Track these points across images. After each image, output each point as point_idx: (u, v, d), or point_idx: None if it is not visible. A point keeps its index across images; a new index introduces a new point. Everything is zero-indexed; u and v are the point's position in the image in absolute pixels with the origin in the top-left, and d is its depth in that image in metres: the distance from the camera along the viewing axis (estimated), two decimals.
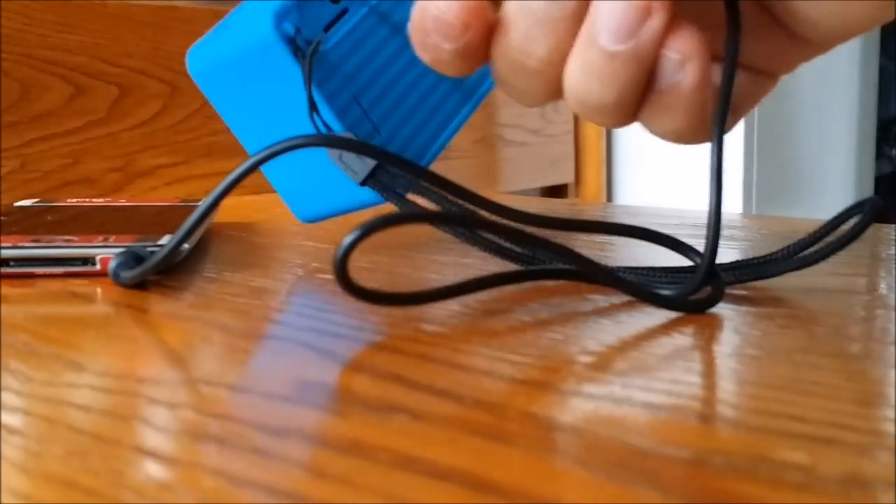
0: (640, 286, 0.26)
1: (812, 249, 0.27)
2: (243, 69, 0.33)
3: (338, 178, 0.33)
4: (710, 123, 0.25)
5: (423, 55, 0.25)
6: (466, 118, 0.38)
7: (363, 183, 0.31)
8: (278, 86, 0.32)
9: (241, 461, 0.16)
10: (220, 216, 0.46)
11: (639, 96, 0.25)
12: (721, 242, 0.38)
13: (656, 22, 0.23)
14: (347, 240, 0.22)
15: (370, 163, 0.30)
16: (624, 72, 0.24)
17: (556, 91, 0.26)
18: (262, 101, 0.33)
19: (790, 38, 0.26)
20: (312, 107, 0.31)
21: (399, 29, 0.36)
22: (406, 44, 0.36)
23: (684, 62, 0.24)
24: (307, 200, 0.36)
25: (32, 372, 0.21)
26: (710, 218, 0.26)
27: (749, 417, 0.18)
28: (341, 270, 0.22)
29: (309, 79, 0.31)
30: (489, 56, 0.25)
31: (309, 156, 0.34)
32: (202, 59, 0.34)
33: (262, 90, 0.33)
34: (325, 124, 0.31)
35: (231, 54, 0.33)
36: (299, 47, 0.32)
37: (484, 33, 0.25)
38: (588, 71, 0.24)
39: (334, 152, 0.31)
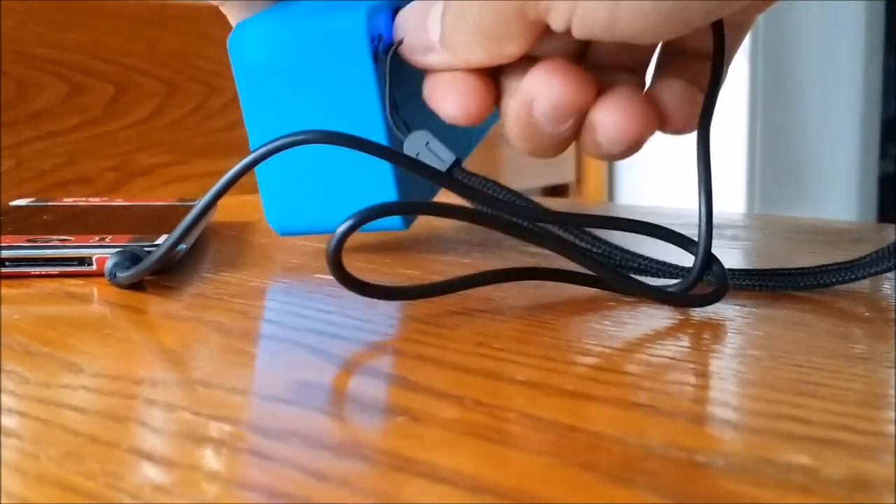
0: (644, 284, 0.26)
1: None
2: (308, 60, 0.31)
3: (337, 193, 0.32)
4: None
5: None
6: (492, 125, 0.39)
7: (450, 169, 0.30)
8: (339, 86, 0.31)
9: (239, 463, 0.16)
10: (217, 216, 0.46)
11: None
12: (725, 242, 0.38)
13: None
14: (341, 228, 0.21)
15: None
16: None
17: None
18: (309, 100, 0.31)
19: None
20: (393, 106, 0.30)
21: None
22: None
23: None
24: (293, 211, 0.33)
25: (28, 373, 0.21)
26: (700, 205, 0.26)
27: (752, 419, 0.18)
28: (335, 260, 0.22)
29: (387, 79, 0.30)
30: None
31: (314, 163, 0.32)
32: (255, 39, 0.31)
33: (316, 87, 0.31)
34: (405, 125, 0.30)
35: (301, 42, 0.31)
36: (378, 52, 0.31)
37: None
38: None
39: (420, 141, 0.29)
